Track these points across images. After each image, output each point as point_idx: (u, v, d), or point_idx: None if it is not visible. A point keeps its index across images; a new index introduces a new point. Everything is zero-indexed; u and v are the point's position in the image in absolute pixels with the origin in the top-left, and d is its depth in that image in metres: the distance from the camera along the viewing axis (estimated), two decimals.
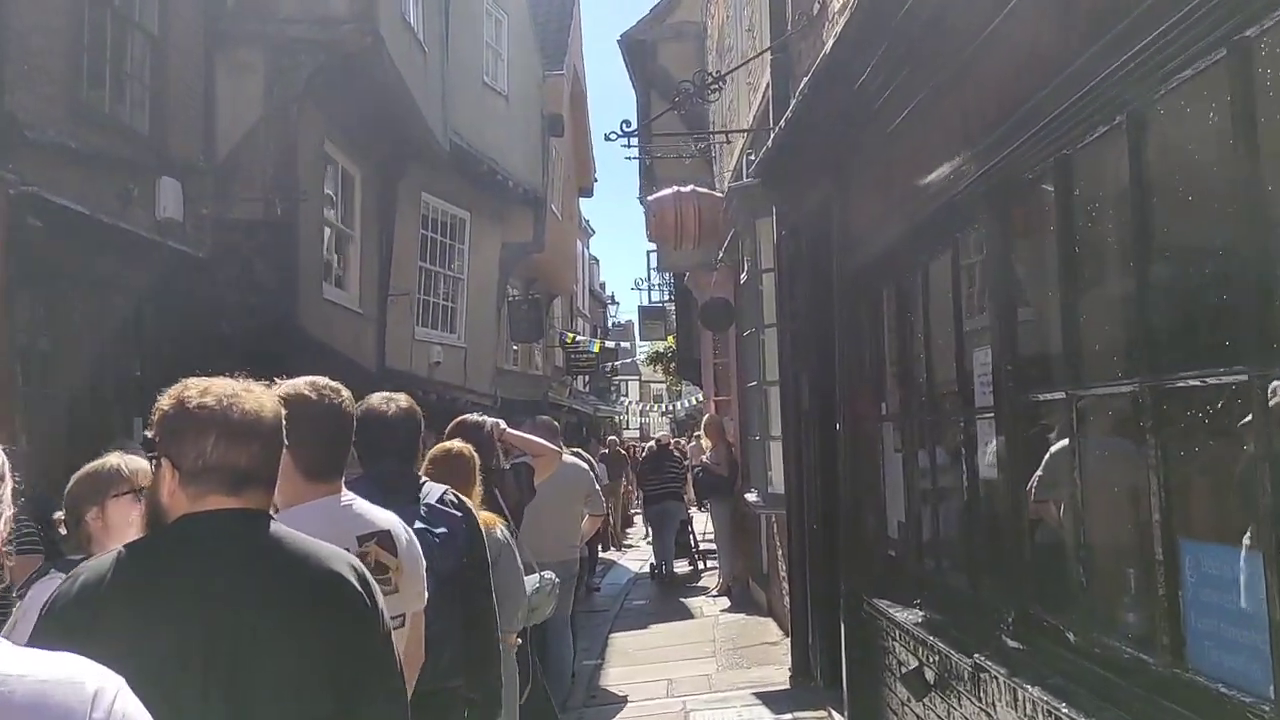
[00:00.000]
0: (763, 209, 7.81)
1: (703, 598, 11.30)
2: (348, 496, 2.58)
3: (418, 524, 2.96)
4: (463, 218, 15.46)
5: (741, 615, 9.94)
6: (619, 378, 43.29)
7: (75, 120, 7.32)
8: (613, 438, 18.11)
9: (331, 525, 2.34)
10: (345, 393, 2.57)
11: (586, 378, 32.10)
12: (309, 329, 10.24)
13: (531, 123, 17.15)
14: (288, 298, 9.74)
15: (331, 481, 2.54)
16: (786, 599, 7.86)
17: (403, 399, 3.29)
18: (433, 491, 3.19)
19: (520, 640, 4.44)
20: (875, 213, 5.31)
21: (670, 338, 23.36)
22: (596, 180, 23.61)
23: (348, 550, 2.08)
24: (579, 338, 24.94)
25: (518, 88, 16.55)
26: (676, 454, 14.33)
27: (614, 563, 15.42)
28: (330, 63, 9.81)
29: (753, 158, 7.89)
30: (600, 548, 12.18)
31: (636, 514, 19.06)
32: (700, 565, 13.63)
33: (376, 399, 3.22)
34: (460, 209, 15.28)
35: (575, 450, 8.33)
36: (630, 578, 13.96)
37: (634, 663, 8.55)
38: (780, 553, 8.85)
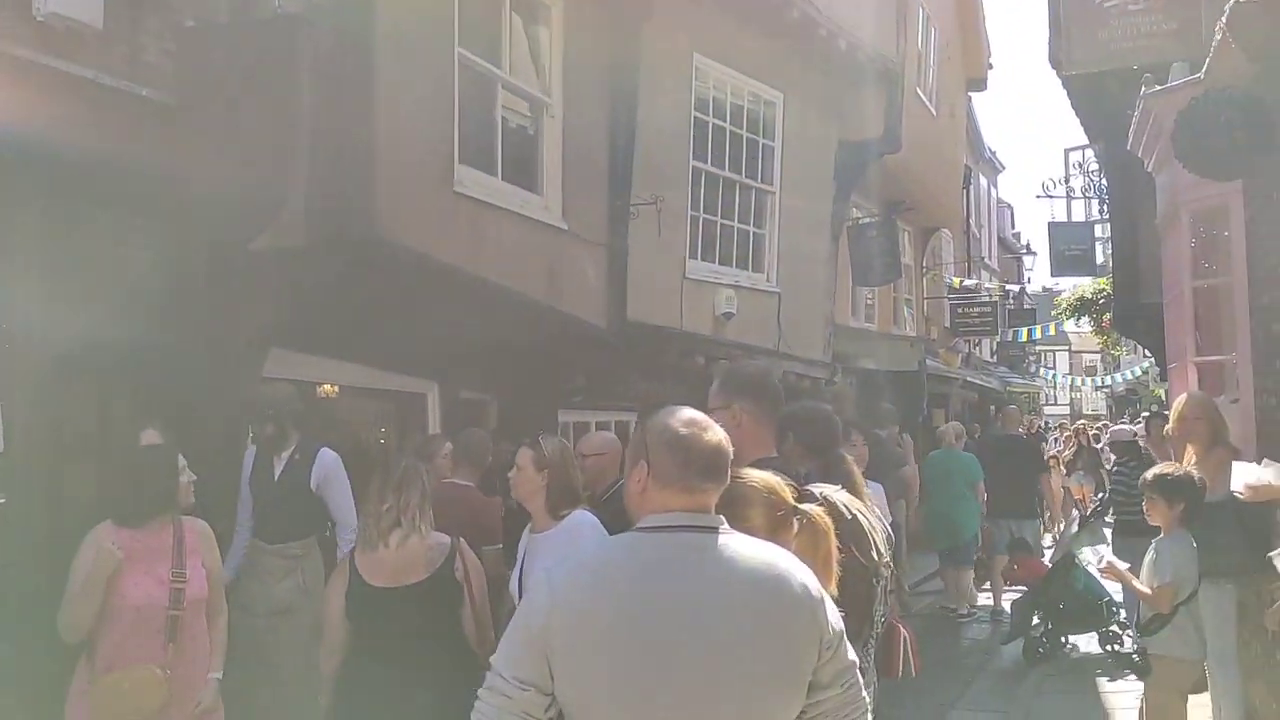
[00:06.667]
0: None
1: None
2: None
3: None
4: (770, 99, 10.43)
5: None
6: (1041, 347, 35.81)
7: None
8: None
9: None
10: None
11: (993, 344, 25.59)
12: (408, 242, 5.86)
13: None
14: (348, 184, 5.39)
15: None
16: None
17: None
18: None
19: None
20: None
21: (1102, 280, 16.46)
22: (992, 67, 17.16)
23: None
24: (969, 282, 18.70)
25: None
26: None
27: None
28: None
29: None
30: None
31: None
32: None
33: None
34: (764, 84, 10.26)
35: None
36: None
37: None
38: None
